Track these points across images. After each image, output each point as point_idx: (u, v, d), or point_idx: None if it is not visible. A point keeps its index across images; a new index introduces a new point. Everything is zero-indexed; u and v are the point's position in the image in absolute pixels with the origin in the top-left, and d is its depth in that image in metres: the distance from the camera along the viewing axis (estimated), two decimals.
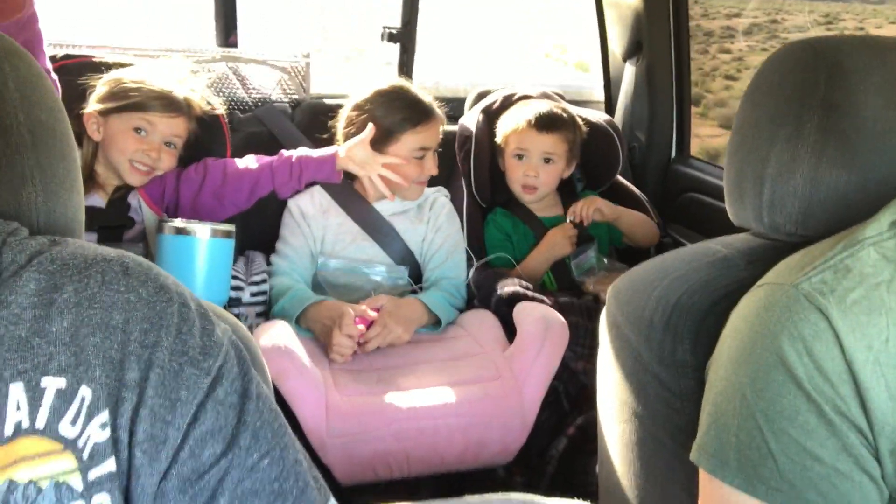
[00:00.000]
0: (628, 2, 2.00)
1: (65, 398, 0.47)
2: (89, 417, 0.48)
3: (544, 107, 1.70)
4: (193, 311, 0.54)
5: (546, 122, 1.66)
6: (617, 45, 2.12)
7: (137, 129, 1.40)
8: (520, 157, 1.68)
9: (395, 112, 1.55)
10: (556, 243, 1.65)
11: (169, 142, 1.44)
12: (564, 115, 1.71)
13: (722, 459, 0.62)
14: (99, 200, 1.43)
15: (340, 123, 1.62)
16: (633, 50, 2.06)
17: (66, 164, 0.60)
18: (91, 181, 1.42)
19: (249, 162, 1.52)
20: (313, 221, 1.56)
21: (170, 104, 1.41)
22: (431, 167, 1.60)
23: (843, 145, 0.72)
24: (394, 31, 2.01)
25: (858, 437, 0.57)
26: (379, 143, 1.55)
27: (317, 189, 1.62)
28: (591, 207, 1.64)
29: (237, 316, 1.39)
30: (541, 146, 1.67)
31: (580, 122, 1.74)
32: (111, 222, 1.41)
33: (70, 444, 0.47)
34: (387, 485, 1.19)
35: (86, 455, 0.47)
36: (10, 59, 0.57)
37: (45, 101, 0.58)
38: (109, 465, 0.48)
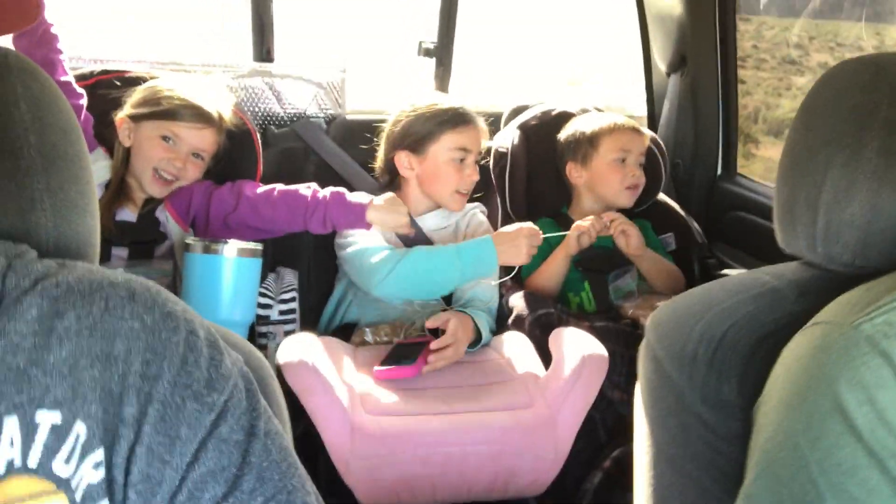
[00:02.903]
0: (672, 14, 1.94)
1: (59, 435, 0.45)
2: (83, 456, 0.45)
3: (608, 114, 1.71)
4: (202, 339, 0.51)
5: (635, 125, 1.68)
6: (660, 59, 2.06)
7: (165, 138, 1.40)
8: (620, 160, 1.65)
9: (436, 116, 1.55)
10: (572, 238, 1.58)
11: (196, 153, 1.43)
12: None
13: None
14: (130, 215, 1.43)
15: (382, 140, 1.63)
16: (678, 64, 2.00)
17: (78, 186, 0.58)
18: (122, 194, 1.42)
19: (282, 196, 1.44)
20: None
21: (199, 115, 1.41)
22: (472, 173, 1.57)
23: None
24: (430, 47, 1.99)
25: None
26: (418, 146, 1.55)
27: (365, 195, 1.62)
28: (623, 227, 1.58)
29: (265, 334, 1.37)
30: (640, 146, 1.67)
31: None
32: (143, 237, 1.41)
33: (63, 484, 0.44)
34: None
35: (78, 496, 0.45)
36: (23, 77, 0.55)
37: (58, 122, 0.57)
38: None
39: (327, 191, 1.45)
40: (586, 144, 1.67)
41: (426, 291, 1.49)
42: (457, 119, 1.55)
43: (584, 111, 1.81)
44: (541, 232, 1.49)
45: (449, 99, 1.61)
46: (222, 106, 1.47)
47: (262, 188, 1.45)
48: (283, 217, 1.41)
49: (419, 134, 1.56)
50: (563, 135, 1.74)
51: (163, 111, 1.39)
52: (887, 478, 0.51)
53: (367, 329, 1.45)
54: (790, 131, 0.78)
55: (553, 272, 1.59)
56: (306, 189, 1.44)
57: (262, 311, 1.37)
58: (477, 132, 1.57)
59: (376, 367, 1.23)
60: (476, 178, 1.58)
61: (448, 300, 1.55)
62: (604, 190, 1.67)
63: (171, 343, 0.49)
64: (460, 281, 1.47)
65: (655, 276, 1.63)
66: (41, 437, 0.44)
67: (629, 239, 1.58)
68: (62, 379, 0.46)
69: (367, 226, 1.44)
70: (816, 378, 0.55)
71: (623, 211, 1.70)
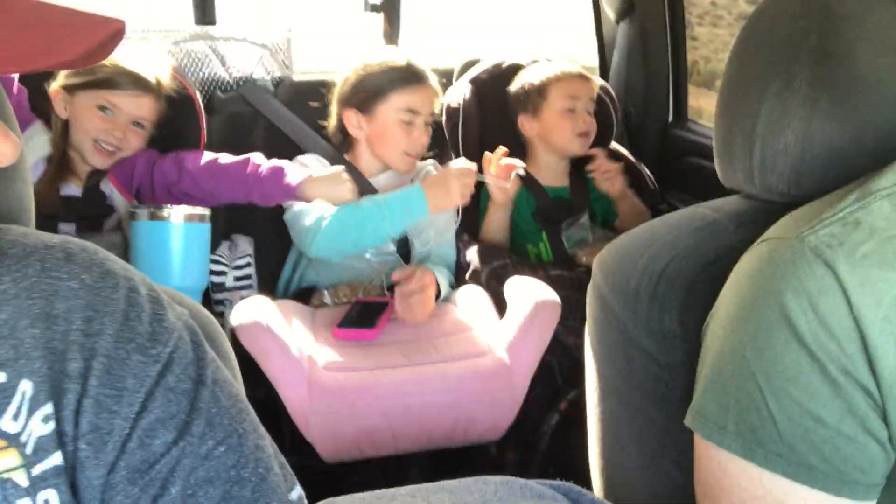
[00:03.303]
0: None
1: (5, 393, 0.45)
2: (31, 411, 0.45)
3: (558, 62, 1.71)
4: (143, 296, 0.51)
5: (582, 72, 1.68)
6: (609, 6, 2.05)
7: (102, 108, 1.35)
8: (570, 109, 1.64)
9: (385, 74, 1.52)
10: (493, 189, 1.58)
11: (136, 122, 1.39)
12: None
13: (719, 424, 0.59)
14: (75, 189, 1.39)
15: (334, 99, 1.60)
16: (626, 10, 1.99)
17: None
18: (65, 168, 1.38)
19: (223, 170, 1.41)
20: None
21: (136, 82, 1.36)
22: (421, 135, 1.54)
23: (837, 97, 0.68)
24: (377, 2, 1.95)
25: (865, 398, 0.53)
26: (367, 105, 1.52)
27: (317, 157, 1.61)
28: (613, 172, 1.60)
29: (221, 301, 1.36)
30: (588, 92, 1.67)
31: None
32: (89, 211, 1.37)
33: (13, 440, 0.45)
34: (376, 462, 1.17)
35: (29, 450, 0.45)
36: None
37: None
38: (55, 460, 0.46)
39: (267, 165, 1.41)
40: (535, 95, 1.66)
41: (358, 245, 1.45)
42: (407, 78, 1.51)
43: (535, 63, 1.80)
44: (473, 169, 1.47)
45: (401, 55, 1.58)
46: (160, 71, 1.43)
47: (205, 158, 1.41)
48: (225, 191, 1.39)
49: (367, 92, 1.53)
50: (512, 87, 1.72)
51: (97, 80, 1.34)
52: (828, 380, 0.54)
53: (326, 291, 1.45)
54: (726, 66, 0.79)
55: (493, 224, 1.59)
56: (247, 162, 1.41)
57: (216, 279, 1.36)
58: (428, 92, 1.54)
59: (336, 327, 1.24)
60: (425, 140, 1.55)
61: (406, 258, 1.55)
62: (556, 139, 1.66)
63: (111, 300, 0.49)
64: (393, 230, 1.45)
65: (632, 218, 1.65)
66: None
67: (615, 183, 1.59)
68: (3, 340, 0.46)
69: (307, 200, 1.42)
70: (764, 291, 0.57)
71: (575, 159, 1.71)
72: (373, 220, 1.40)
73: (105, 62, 1.33)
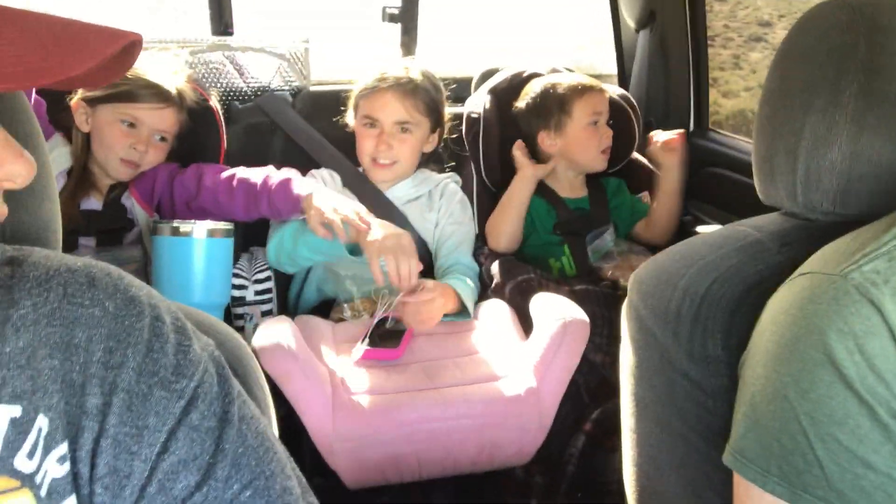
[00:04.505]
0: None
1: (20, 429, 0.42)
2: (47, 450, 0.43)
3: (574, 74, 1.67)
4: (168, 325, 0.49)
5: (596, 83, 1.64)
6: (629, 15, 2.03)
7: (125, 122, 1.34)
8: (594, 123, 1.61)
9: (361, 84, 1.53)
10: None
11: (158, 135, 1.38)
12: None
13: (762, 466, 0.56)
14: (95, 203, 1.38)
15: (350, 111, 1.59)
16: (647, 20, 1.97)
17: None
18: (86, 182, 1.37)
19: (239, 185, 1.37)
20: None
21: (159, 94, 1.35)
22: (380, 143, 1.50)
23: (887, 113, 0.65)
24: (394, 12, 1.94)
25: None
26: (354, 113, 1.56)
27: (330, 172, 1.59)
28: (675, 142, 1.58)
29: (241, 316, 1.34)
30: (606, 106, 1.63)
31: None
32: (110, 225, 1.36)
33: (27, 480, 0.42)
34: (400, 487, 1.14)
35: (44, 492, 0.43)
36: None
37: (8, 102, 0.54)
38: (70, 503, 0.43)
39: (277, 178, 1.37)
40: (557, 111, 1.61)
41: (296, 264, 1.42)
42: (370, 87, 1.51)
43: (555, 71, 1.78)
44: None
45: (398, 65, 1.56)
46: (181, 82, 1.41)
47: (224, 173, 1.40)
48: (240, 207, 1.37)
49: (353, 101, 1.57)
50: (523, 101, 1.67)
51: (119, 93, 1.33)
52: (878, 424, 0.51)
53: (345, 305, 1.43)
54: (766, 81, 0.77)
55: (510, 208, 1.56)
56: (262, 174, 1.38)
57: (237, 293, 1.34)
58: (385, 100, 1.50)
59: (357, 348, 1.21)
60: (390, 149, 1.51)
61: (430, 270, 1.53)
62: (580, 156, 1.62)
63: (134, 329, 0.47)
64: (318, 246, 1.36)
65: (670, 218, 1.63)
66: (0, 431, 0.42)
67: (674, 159, 1.58)
68: (20, 371, 0.43)
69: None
70: (805, 329, 0.54)
71: (596, 173, 1.68)
72: (301, 245, 1.37)
73: (135, 73, 1.32)
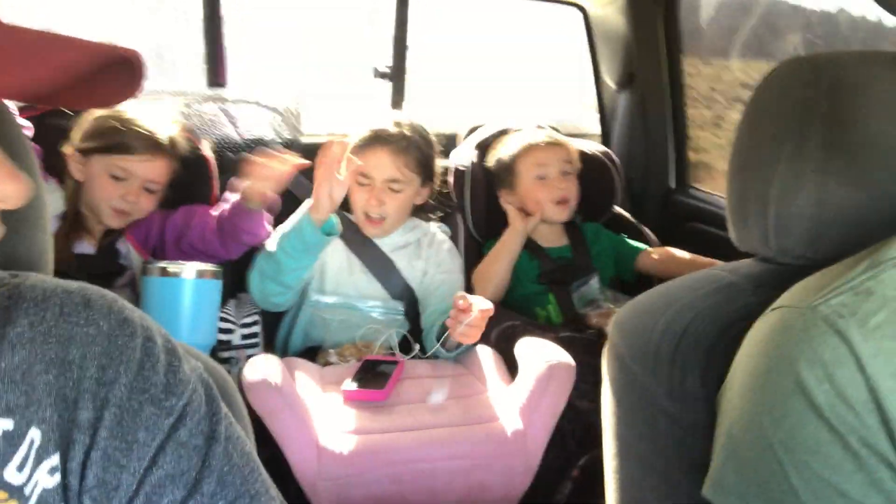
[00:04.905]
0: (619, 32, 2.00)
1: (12, 441, 0.44)
2: (38, 462, 0.44)
3: (538, 131, 1.73)
4: (159, 346, 0.50)
5: (554, 138, 1.70)
6: (609, 77, 2.11)
7: (115, 177, 1.35)
8: (541, 177, 1.65)
9: (355, 139, 1.55)
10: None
11: (149, 185, 1.39)
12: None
13: (740, 495, 0.57)
14: (88, 247, 1.39)
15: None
16: (627, 80, 2.06)
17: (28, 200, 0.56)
18: (79, 226, 1.38)
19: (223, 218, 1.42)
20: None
21: (150, 145, 1.36)
22: (372, 198, 1.53)
23: (849, 162, 0.69)
24: (385, 70, 2.01)
25: (888, 471, 0.52)
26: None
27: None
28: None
29: (228, 360, 1.34)
30: (559, 156, 1.67)
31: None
32: (102, 269, 1.36)
33: (16, 492, 0.43)
34: None
35: (33, 503, 0.43)
36: None
37: (3, 132, 0.56)
38: None
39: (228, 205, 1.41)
40: (507, 170, 1.70)
41: (283, 284, 1.44)
42: (361, 142, 1.53)
43: (540, 129, 1.84)
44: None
45: (390, 119, 1.59)
46: (175, 131, 1.44)
47: (215, 212, 1.42)
48: (217, 239, 1.39)
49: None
50: (488, 163, 1.75)
51: (112, 144, 1.34)
52: (849, 453, 0.52)
53: (332, 350, 1.43)
54: (737, 131, 0.81)
55: (499, 260, 1.60)
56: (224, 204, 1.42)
57: (223, 336, 1.34)
58: (377, 157, 1.52)
59: (344, 387, 1.22)
60: (381, 204, 1.53)
61: (411, 316, 1.55)
62: (534, 209, 1.68)
63: (127, 348, 0.49)
64: (296, 259, 1.41)
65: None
66: None
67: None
68: (14, 385, 0.45)
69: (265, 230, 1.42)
70: (777, 359, 0.56)
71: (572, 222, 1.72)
72: (279, 253, 1.40)
73: (119, 124, 1.35)
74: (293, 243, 1.37)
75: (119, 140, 1.34)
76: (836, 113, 0.70)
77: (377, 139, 1.52)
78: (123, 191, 1.35)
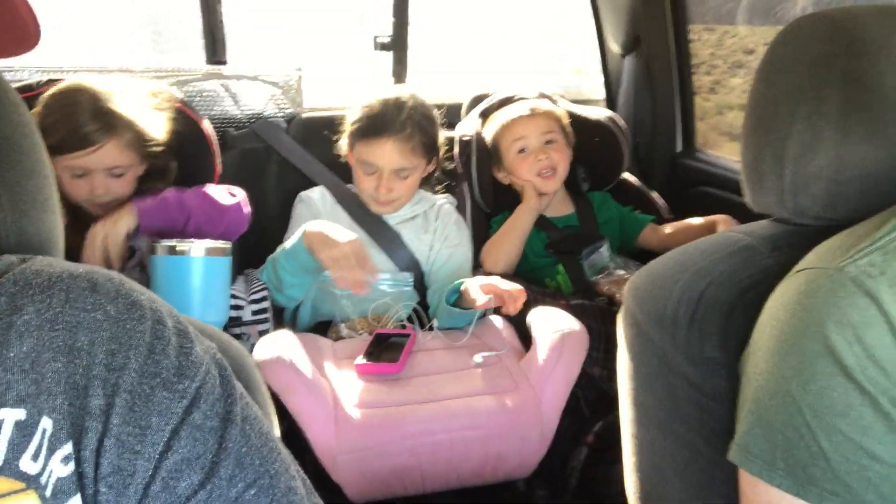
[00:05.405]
0: None
1: (25, 431, 0.43)
2: (51, 451, 0.44)
3: (524, 101, 1.71)
4: (169, 328, 0.50)
5: (531, 106, 1.66)
6: (614, 41, 2.08)
7: (74, 175, 1.26)
8: (521, 150, 1.63)
9: (355, 122, 1.53)
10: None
11: (114, 172, 1.28)
12: (542, 100, 1.73)
13: (768, 461, 0.57)
14: None
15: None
16: (632, 45, 2.02)
17: (36, 180, 0.55)
18: (80, 215, 1.34)
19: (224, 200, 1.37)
20: (327, 219, 1.44)
21: (87, 137, 1.21)
22: (381, 185, 1.50)
23: (868, 119, 0.68)
24: (386, 41, 1.98)
25: None
26: (349, 147, 1.56)
27: (323, 189, 1.61)
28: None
29: (239, 336, 1.34)
30: (538, 128, 1.64)
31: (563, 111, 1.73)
32: None
33: (32, 482, 0.43)
34: (404, 501, 1.14)
35: (49, 492, 0.43)
36: None
37: (9, 115, 0.55)
38: (75, 503, 0.44)
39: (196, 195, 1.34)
40: (494, 150, 1.68)
41: (285, 294, 1.42)
42: (364, 131, 1.50)
43: (543, 96, 1.81)
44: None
45: (393, 93, 1.55)
46: (129, 106, 1.29)
47: (218, 189, 1.40)
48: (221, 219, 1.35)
49: (348, 134, 1.56)
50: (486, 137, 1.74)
51: (56, 145, 1.19)
52: (880, 414, 0.52)
53: (343, 324, 1.43)
54: (751, 91, 0.79)
55: (511, 235, 1.58)
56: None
57: (233, 313, 1.33)
58: (383, 149, 1.48)
59: (358, 362, 1.22)
60: (391, 192, 1.51)
61: (420, 286, 1.55)
62: (523, 182, 1.65)
63: (136, 332, 0.48)
64: (293, 279, 1.38)
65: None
66: (5, 434, 0.43)
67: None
68: (24, 374, 0.44)
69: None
70: (804, 322, 0.56)
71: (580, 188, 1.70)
72: (280, 270, 1.38)
73: (53, 120, 1.22)
74: (292, 264, 1.36)
75: (56, 141, 1.21)
76: (854, 69, 0.68)
77: (381, 130, 1.49)
78: (89, 186, 1.27)
